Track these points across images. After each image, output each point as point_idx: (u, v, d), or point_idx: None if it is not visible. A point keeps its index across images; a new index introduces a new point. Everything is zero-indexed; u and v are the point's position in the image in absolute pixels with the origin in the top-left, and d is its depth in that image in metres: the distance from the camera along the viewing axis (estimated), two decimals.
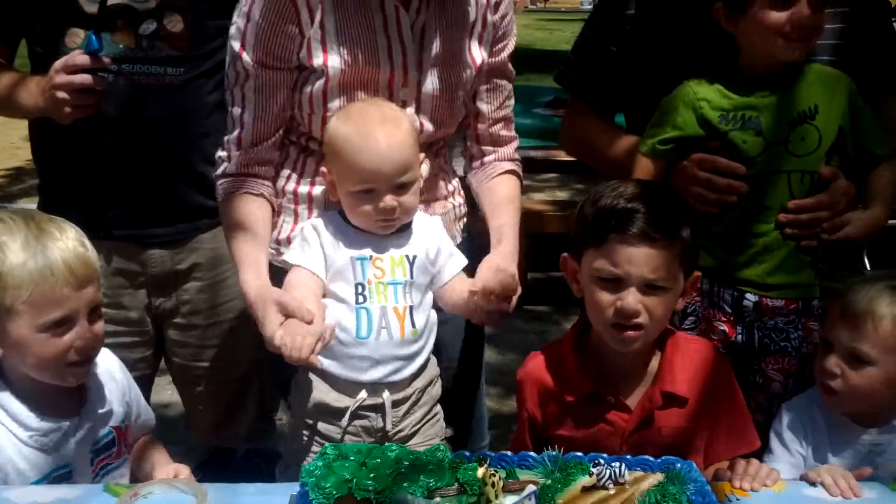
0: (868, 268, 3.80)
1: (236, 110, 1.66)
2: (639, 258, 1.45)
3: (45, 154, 2.03)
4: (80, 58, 1.75)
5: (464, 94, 1.75)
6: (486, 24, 1.73)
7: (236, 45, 1.62)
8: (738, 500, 1.29)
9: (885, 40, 1.90)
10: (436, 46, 1.66)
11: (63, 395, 1.48)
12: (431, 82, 1.68)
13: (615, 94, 1.99)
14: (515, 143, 1.89)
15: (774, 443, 1.62)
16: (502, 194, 1.81)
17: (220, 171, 1.70)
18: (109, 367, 1.59)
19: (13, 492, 1.30)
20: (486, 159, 1.85)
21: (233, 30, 1.64)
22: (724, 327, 1.76)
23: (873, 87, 1.84)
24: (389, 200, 1.55)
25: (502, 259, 1.63)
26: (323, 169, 1.65)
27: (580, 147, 2.15)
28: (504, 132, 1.86)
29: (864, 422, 1.60)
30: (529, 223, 4.04)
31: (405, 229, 1.64)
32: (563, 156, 3.76)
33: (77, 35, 1.86)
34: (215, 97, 1.92)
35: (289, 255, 1.63)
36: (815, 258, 1.74)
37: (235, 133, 1.67)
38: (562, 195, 5.73)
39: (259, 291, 1.51)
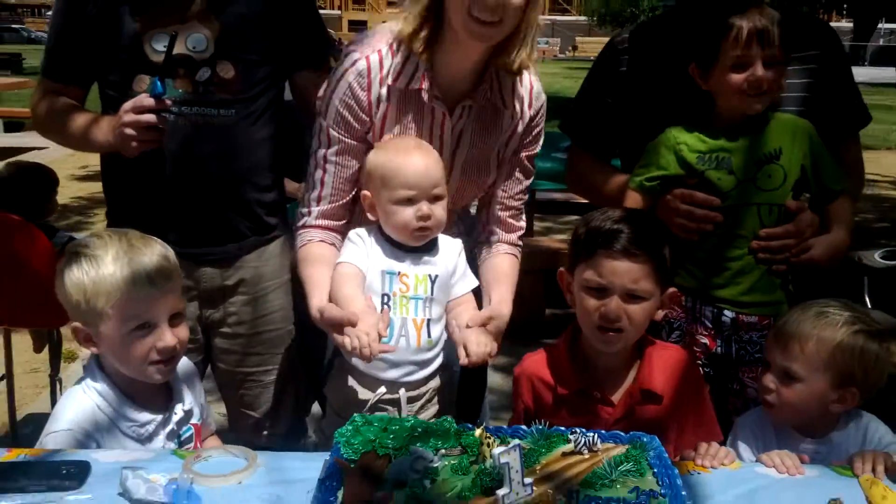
0: (869, 306, 4.00)
1: (318, 173, 1.91)
2: (621, 270, 1.70)
3: (114, 184, 2.25)
4: (146, 100, 1.95)
5: (483, 187, 2.01)
6: (516, 134, 1.96)
7: (322, 119, 1.89)
8: (698, 474, 1.52)
9: (846, 95, 2.14)
10: (468, 149, 1.93)
11: (154, 392, 1.72)
12: (457, 177, 1.95)
13: (610, 140, 2.25)
14: (521, 232, 2.08)
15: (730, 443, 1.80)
16: (501, 271, 2.00)
17: (300, 223, 1.95)
18: (188, 371, 1.83)
19: (98, 453, 1.55)
20: (492, 239, 2.05)
21: (319, 104, 1.91)
22: (706, 340, 2.00)
23: (835, 134, 2.09)
24: (426, 208, 1.79)
25: (498, 310, 1.83)
26: (364, 192, 1.87)
27: (580, 184, 2.41)
28: (512, 220, 2.06)
29: (806, 432, 1.76)
30: (548, 261, 4.31)
31: (431, 249, 1.86)
32: (581, 199, 3.95)
33: (144, 81, 2.06)
34: (262, 135, 2.17)
35: (347, 254, 1.85)
36: (784, 280, 1.99)
37: (316, 192, 1.92)
38: None
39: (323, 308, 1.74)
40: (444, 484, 1.26)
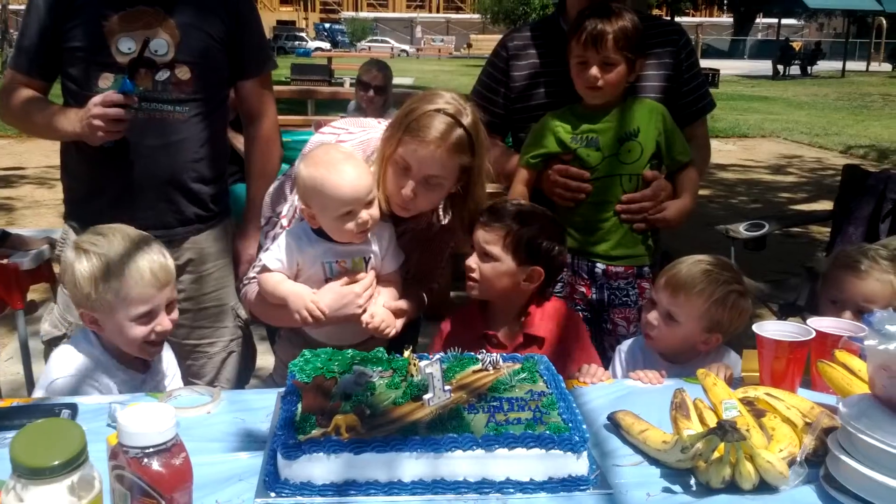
0: None
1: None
2: (477, 235, 2.13)
3: (73, 170, 2.50)
4: (115, 96, 2.22)
5: None
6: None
7: (286, 222, 2.18)
8: (580, 388, 1.91)
9: (695, 85, 2.58)
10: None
11: (139, 360, 2.00)
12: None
13: (502, 126, 2.65)
14: None
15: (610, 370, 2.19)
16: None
17: (248, 284, 2.25)
18: (168, 352, 2.14)
19: (83, 398, 1.82)
20: None
21: (285, 221, 2.19)
22: (583, 289, 2.42)
23: (687, 115, 2.54)
24: (365, 215, 2.00)
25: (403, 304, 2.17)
26: (301, 206, 2.08)
27: None
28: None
29: (672, 360, 2.12)
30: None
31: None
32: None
33: (108, 78, 2.33)
34: (209, 131, 2.46)
35: (267, 259, 2.10)
36: (645, 237, 2.41)
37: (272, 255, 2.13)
38: None
39: (302, 289, 2.05)
40: (381, 395, 1.60)
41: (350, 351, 1.79)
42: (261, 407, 1.76)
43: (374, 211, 2.04)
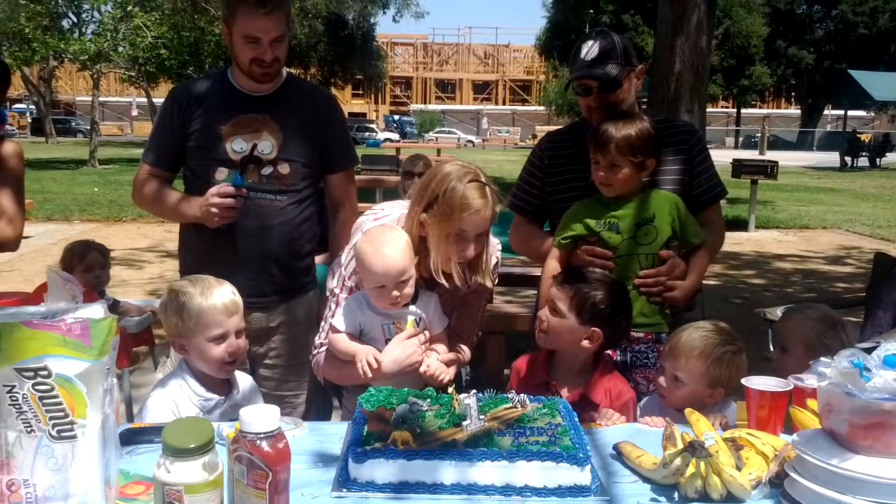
0: (772, 349, 4.82)
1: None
2: (551, 292, 2.56)
3: (190, 246, 3.02)
4: (228, 188, 2.76)
5: None
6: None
7: (337, 290, 2.57)
8: (596, 429, 2.29)
9: (707, 176, 3.01)
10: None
11: (220, 383, 2.49)
12: None
13: (541, 213, 3.10)
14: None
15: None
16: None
17: (317, 352, 2.62)
18: (251, 386, 2.62)
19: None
20: None
21: (345, 256, 2.58)
22: (610, 352, 2.81)
23: (700, 203, 2.96)
24: (396, 293, 2.41)
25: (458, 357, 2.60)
26: (357, 274, 2.51)
27: (522, 245, 3.23)
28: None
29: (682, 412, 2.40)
30: (508, 324, 5.14)
31: (414, 301, 2.50)
32: (535, 272, 4.74)
33: (223, 172, 2.84)
34: (304, 216, 2.96)
35: (336, 321, 2.50)
36: (661, 307, 2.81)
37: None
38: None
39: (368, 347, 2.45)
40: (429, 421, 2.02)
41: (405, 389, 2.22)
42: (334, 433, 2.20)
43: (407, 290, 2.44)
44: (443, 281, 2.45)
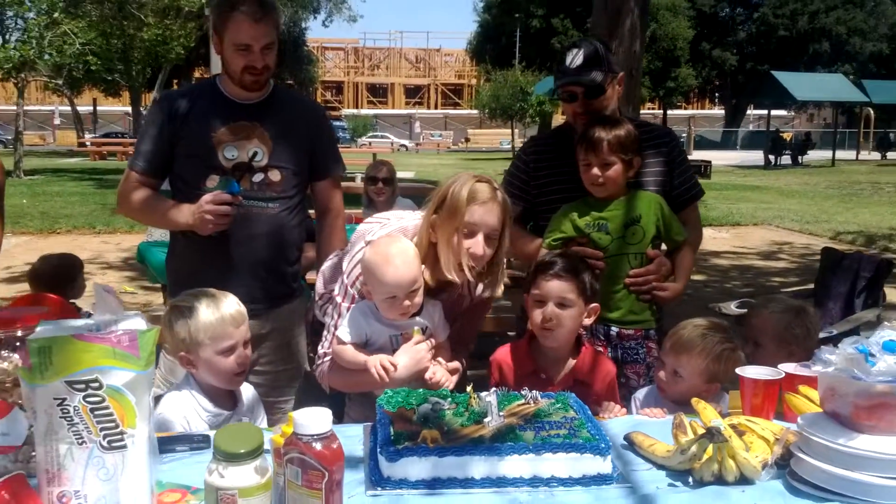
0: None
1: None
2: (553, 286, 2.55)
3: (181, 254, 3.03)
4: (224, 196, 2.77)
5: None
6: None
7: (345, 277, 2.56)
8: (601, 422, 2.39)
9: (685, 177, 3.15)
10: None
11: (227, 397, 2.50)
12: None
13: (527, 215, 3.20)
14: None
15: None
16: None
17: (321, 362, 2.61)
18: (253, 397, 2.63)
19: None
20: None
21: (346, 265, 2.56)
22: (601, 349, 2.92)
23: (680, 203, 3.09)
24: (407, 303, 2.41)
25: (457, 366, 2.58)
26: (364, 286, 2.48)
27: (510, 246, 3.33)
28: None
29: (679, 404, 2.46)
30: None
31: (419, 312, 2.50)
32: None
33: (214, 179, 2.87)
34: (293, 223, 3.00)
35: (341, 332, 2.48)
36: (650, 305, 2.93)
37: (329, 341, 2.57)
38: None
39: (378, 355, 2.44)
40: (450, 420, 2.10)
41: (422, 390, 2.29)
42: (353, 435, 2.25)
43: (417, 299, 2.45)
44: (454, 278, 2.46)
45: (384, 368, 2.44)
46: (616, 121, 2.88)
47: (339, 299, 2.61)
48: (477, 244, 2.41)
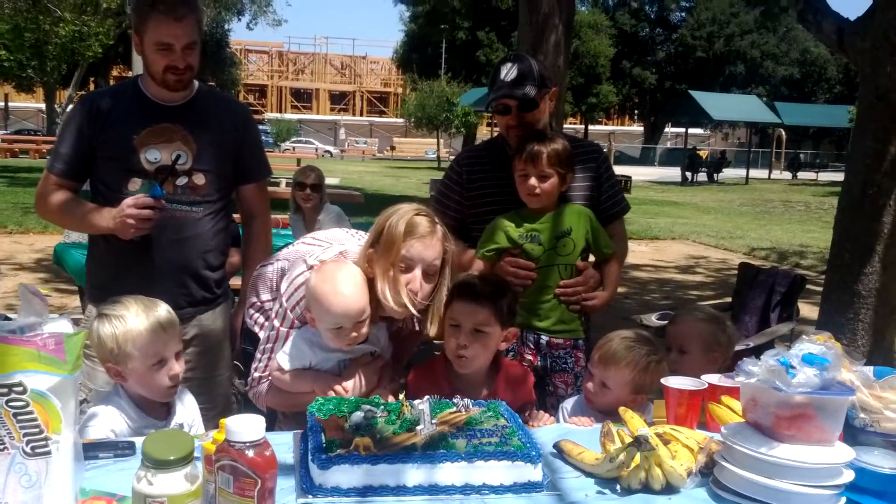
0: None
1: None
2: (468, 311, 2.49)
3: (100, 259, 2.93)
4: (147, 200, 2.66)
5: None
6: None
7: (284, 300, 2.47)
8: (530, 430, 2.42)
9: (612, 192, 3.22)
10: None
11: (159, 407, 2.42)
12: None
13: (459, 226, 3.21)
14: None
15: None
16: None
17: (258, 384, 2.54)
18: (189, 397, 2.56)
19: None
20: None
21: (284, 289, 2.49)
22: (530, 357, 2.95)
23: (607, 217, 3.16)
24: (353, 334, 2.35)
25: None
26: (308, 313, 2.39)
27: None
28: None
29: (606, 414, 2.47)
30: None
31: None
32: None
33: (136, 183, 2.78)
34: (217, 227, 2.94)
35: (282, 360, 2.43)
36: (579, 315, 2.99)
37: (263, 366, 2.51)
38: None
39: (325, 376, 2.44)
40: (382, 428, 2.09)
41: (353, 398, 2.28)
42: (282, 442, 2.21)
43: (364, 329, 2.38)
44: (395, 314, 2.41)
45: (338, 394, 2.39)
46: (552, 136, 2.94)
47: (276, 322, 2.53)
48: (414, 279, 2.35)
